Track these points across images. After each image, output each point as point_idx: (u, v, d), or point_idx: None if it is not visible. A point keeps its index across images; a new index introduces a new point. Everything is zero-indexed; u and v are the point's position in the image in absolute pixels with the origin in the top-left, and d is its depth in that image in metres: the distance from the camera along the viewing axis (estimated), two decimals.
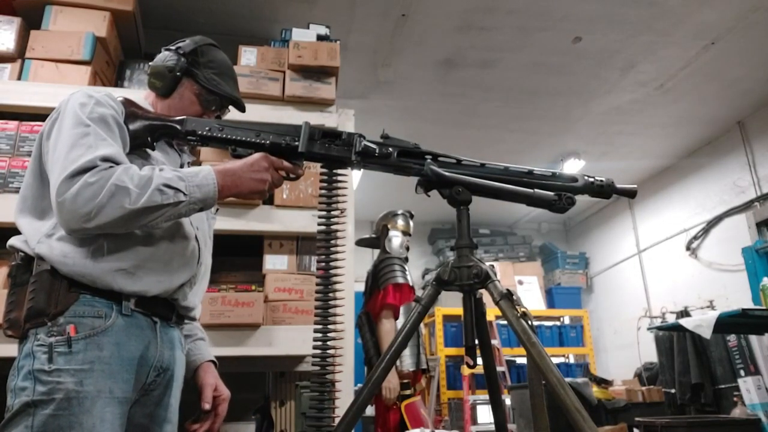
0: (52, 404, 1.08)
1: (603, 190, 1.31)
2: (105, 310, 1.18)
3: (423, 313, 1.25)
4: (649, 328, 5.21)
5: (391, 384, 3.03)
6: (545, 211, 1.54)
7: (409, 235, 3.58)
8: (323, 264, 1.30)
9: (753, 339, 4.43)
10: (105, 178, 1.10)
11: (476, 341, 1.28)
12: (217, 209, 1.56)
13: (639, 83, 4.56)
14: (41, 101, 2.33)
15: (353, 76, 4.24)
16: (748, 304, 4.29)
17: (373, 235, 3.67)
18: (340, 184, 1.35)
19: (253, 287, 2.40)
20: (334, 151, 1.30)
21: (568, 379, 1.89)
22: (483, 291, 1.25)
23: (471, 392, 5.28)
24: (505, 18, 3.72)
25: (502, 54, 4.13)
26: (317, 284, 1.30)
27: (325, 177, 1.34)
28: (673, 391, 4.98)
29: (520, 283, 6.73)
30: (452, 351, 5.65)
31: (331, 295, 1.29)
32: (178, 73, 1.40)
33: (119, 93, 1.40)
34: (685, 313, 5.34)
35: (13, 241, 1.23)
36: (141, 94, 1.45)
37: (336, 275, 1.30)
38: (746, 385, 4.27)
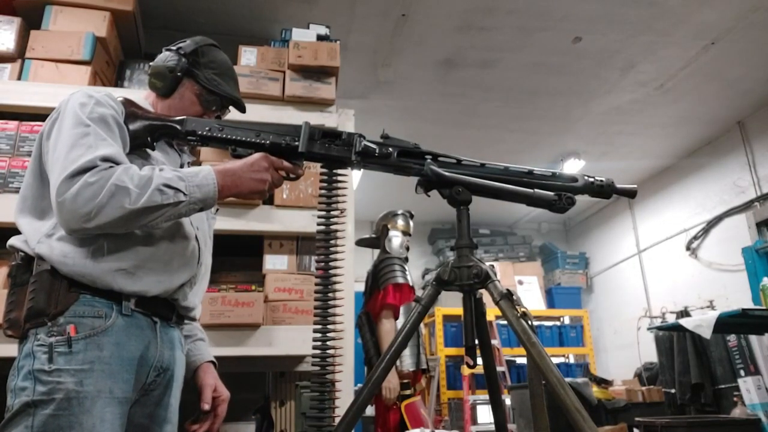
0: (52, 404, 1.08)
1: (603, 190, 1.31)
2: (105, 310, 1.18)
3: (423, 313, 1.25)
4: (649, 328, 5.22)
5: (391, 384, 3.03)
6: (545, 211, 1.54)
7: (409, 235, 3.58)
8: (323, 264, 1.30)
9: (753, 339, 4.43)
10: (105, 178, 1.10)
11: (476, 341, 1.28)
12: (217, 209, 1.56)
13: (639, 83, 4.56)
14: (41, 101, 2.33)
15: (353, 76, 4.24)
16: (748, 304, 4.29)
17: (373, 235, 3.67)
18: (340, 184, 1.35)
19: (253, 287, 2.40)
20: (334, 151, 1.30)
21: (568, 379, 1.89)
22: (483, 291, 1.25)
23: (471, 392, 5.28)
24: (505, 18, 3.72)
25: (502, 54, 4.13)
26: (316, 284, 1.30)
27: (325, 177, 1.34)
28: (673, 391, 4.98)
29: (520, 283, 6.73)
30: (452, 351, 5.65)
31: (330, 295, 1.29)
32: (178, 74, 1.40)
33: (119, 93, 1.40)
34: (685, 313, 5.34)
35: (13, 241, 1.23)
36: (141, 94, 1.45)
37: (335, 275, 1.30)
38: (746, 385, 4.27)
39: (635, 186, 1.35)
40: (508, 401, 4.54)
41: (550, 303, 6.89)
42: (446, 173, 1.26)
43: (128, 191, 1.11)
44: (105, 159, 1.13)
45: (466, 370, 5.22)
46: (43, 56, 2.51)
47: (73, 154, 1.12)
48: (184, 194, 1.16)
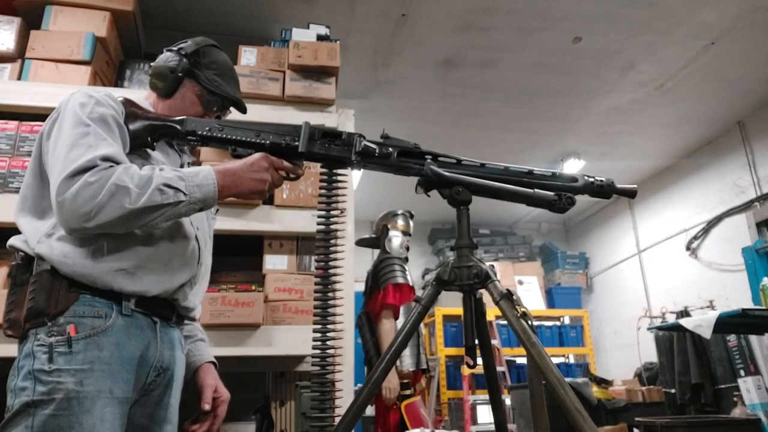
0: (52, 404, 1.08)
1: (603, 190, 1.31)
2: (105, 310, 1.18)
3: (423, 313, 1.25)
4: (649, 328, 5.21)
5: (391, 384, 3.03)
6: (545, 211, 1.54)
7: (409, 235, 3.58)
8: (322, 264, 1.30)
9: (753, 339, 4.43)
10: (105, 178, 1.10)
11: (476, 341, 1.28)
12: (218, 209, 1.56)
13: (639, 83, 4.56)
14: (41, 101, 2.33)
15: (353, 76, 4.24)
16: (748, 304, 4.29)
17: (373, 235, 3.67)
18: (340, 184, 1.35)
19: (253, 287, 2.40)
20: (334, 151, 1.30)
21: (568, 379, 1.89)
22: (483, 291, 1.25)
23: (471, 392, 5.28)
24: (505, 18, 3.72)
25: (502, 54, 4.13)
26: (316, 284, 1.30)
27: (325, 177, 1.34)
28: (673, 391, 4.98)
29: (520, 283, 6.73)
30: (452, 351, 5.65)
31: (330, 294, 1.29)
32: (179, 74, 1.40)
33: (119, 93, 1.40)
34: (685, 313, 5.34)
35: (13, 241, 1.23)
36: (142, 95, 1.45)
37: (335, 275, 1.30)
38: (746, 385, 4.27)
39: (635, 186, 1.35)
40: (508, 401, 4.54)
41: (550, 303, 6.89)
42: (446, 173, 1.26)
43: (128, 191, 1.11)
44: (105, 158, 1.13)
45: (466, 370, 5.22)
46: (43, 56, 2.51)
47: (73, 153, 1.12)
48: (184, 194, 1.16)
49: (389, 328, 3.16)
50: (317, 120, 2.30)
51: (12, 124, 2.33)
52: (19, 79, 2.48)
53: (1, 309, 1.31)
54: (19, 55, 2.52)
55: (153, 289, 1.23)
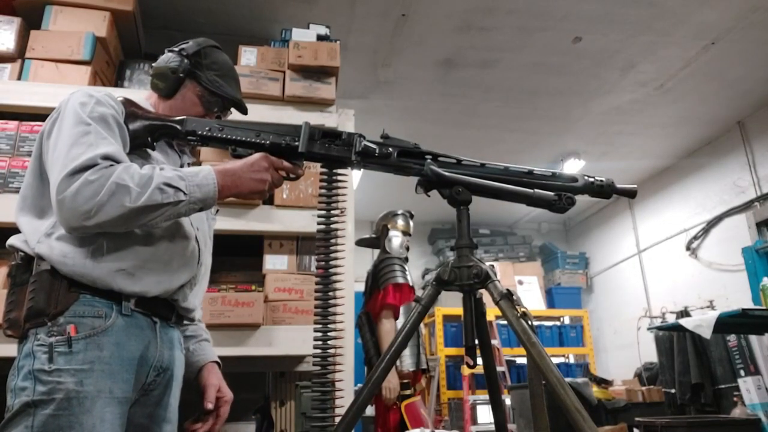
0: (52, 404, 1.08)
1: (603, 190, 1.31)
2: (105, 310, 1.18)
3: (423, 313, 1.25)
4: (649, 328, 5.21)
5: (391, 384, 3.03)
6: (545, 211, 1.54)
7: (409, 235, 3.58)
8: (323, 263, 1.30)
9: (753, 339, 4.43)
10: (106, 177, 1.10)
11: (476, 341, 1.28)
12: (218, 210, 1.56)
13: (639, 83, 4.56)
14: (41, 101, 2.33)
15: (353, 76, 4.24)
16: (748, 304, 4.29)
17: (373, 235, 3.67)
18: (340, 184, 1.35)
19: (253, 287, 2.40)
20: (334, 151, 1.30)
21: (568, 379, 1.89)
22: (483, 291, 1.25)
23: (471, 392, 5.28)
24: (505, 18, 3.72)
25: (502, 54, 4.13)
26: (317, 284, 1.30)
27: (325, 177, 1.34)
28: (673, 391, 4.98)
29: (520, 283, 6.73)
30: (452, 351, 5.65)
31: (330, 294, 1.29)
32: (181, 75, 1.41)
33: (119, 93, 1.40)
34: (685, 313, 5.34)
35: (13, 241, 1.23)
36: (142, 95, 1.45)
37: (336, 274, 1.30)
38: (746, 385, 4.27)
39: (635, 186, 1.35)
40: (508, 401, 4.54)
41: (550, 303, 6.89)
42: (446, 173, 1.26)
43: (129, 190, 1.11)
44: (106, 157, 1.13)
45: (466, 370, 5.22)
46: (43, 56, 2.51)
47: (73, 152, 1.12)
48: (185, 193, 1.16)
49: (389, 328, 3.16)
50: (317, 120, 2.30)
51: (12, 124, 2.33)
52: (19, 79, 2.48)
53: (1, 309, 1.31)
54: (19, 55, 2.52)
55: (153, 290, 1.23)
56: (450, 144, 5.39)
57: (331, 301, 1.29)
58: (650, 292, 6.32)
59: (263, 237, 2.49)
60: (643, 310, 6.30)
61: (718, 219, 5.42)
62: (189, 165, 1.49)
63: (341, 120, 2.65)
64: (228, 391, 1.44)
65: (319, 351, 1.27)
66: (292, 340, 2.31)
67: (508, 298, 1.18)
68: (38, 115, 2.34)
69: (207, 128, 1.31)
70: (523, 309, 1.17)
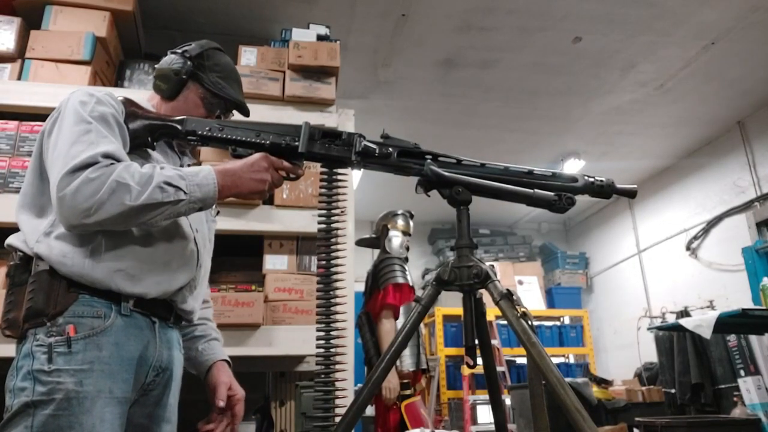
0: (51, 404, 1.08)
1: (603, 190, 1.31)
2: (104, 310, 1.18)
3: (423, 313, 1.25)
4: (649, 328, 5.21)
5: (391, 384, 3.03)
6: (545, 211, 1.54)
7: (409, 235, 3.58)
8: (323, 263, 1.30)
9: (753, 339, 4.43)
10: (106, 175, 1.10)
11: (476, 341, 1.28)
12: (218, 212, 1.56)
13: (639, 83, 4.56)
14: (41, 101, 2.33)
15: (353, 76, 4.24)
16: (748, 304, 4.29)
17: (373, 235, 3.67)
18: (340, 183, 1.35)
19: (253, 287, 2.40)
20: (334, 151, 1.30)
21: (568, 379, 1.89)
22: (483, 291, 1.25)
23: (471, 392, 5.28)
24: (505, 18, 3.72)
25: (502, 54, 4.13)
26: (319, 282, 1.30)
27: (325, 177, 1.34)
28: (673, 391, 4.98)
29: (520, 283, 6.73)
30: (452, 351, 5.65)
31: (333, 293, 1.29)
32: (183, 76, 1.41)
33: (120, 93, 1.40)
34: (685, 313, 5.34)
35: (12, 240, 1.23)
36: (144, 96, 1.46)
37: (338, 272, 1.30)
38: (746, 385, 4.27)
39: (635, 186, 1.35)
40: (508, 401, 4.54)
41: (550, 303, 6.89)
42: (446, 173, 1.26)
43: (129, 188, 1.11)
44: (106, 156, 1.13)
45: (466, 370, 5.22)
46: (43, 56, 2.51)
47: (74, 150, 1.12)
48: (185, 193, 1.16)
49: (389, 328, 3.16)
50: (317, 120, 2.30)
51: (12, 124, 2.33)
52: (19, 79, 2.48)
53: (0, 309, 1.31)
54: (19, 55, 2.52)
55: (152, 291, 1.23)
56: (450, 144, 5.39)
57: (333, 301, 1.29)
58: (650, 292, 6.32)
59: (263, 237, 2.49)
60: (643, 310, 6.30)
61: (718, 219, 5.42)
62: (189, 166, 1.48)
63: (341, 120, 2.65)
64: (239, 389, 1.43)
65: (321, 351, 1.27)
66: (292, 340, 2.31)
67: (508, 298, 1.18)
68: (38, 115, 2.34)
69: (207, 128, 1.31)
70: (523, 309, 1.17)
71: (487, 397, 2.73)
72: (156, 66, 1.45)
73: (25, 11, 2.66)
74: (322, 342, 1.28)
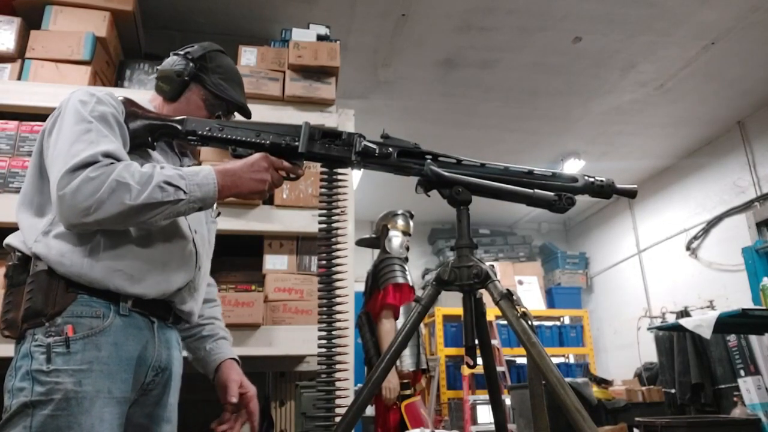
0: (50, 404, 1.08)
1: (603, 191, 1.30)
2: (103, 310, 1.17)
3: (423, 313, 1.25)
4: (649, 328, 5.22)
5: (391, 384, 3.03)
6: (545, 211, 1.54)
7: (409, 235, 3.58)
8: (324, 263, 1.30)
9: (753, 339, 4.43)
10: (106, 174, 1.10)
11: (476, 341, 1.28)
12: (219, 213, 1.55)
13: (639, 83, 4.56)
14: (41, 101, 2.33)
15: (353, 76, 4.24)
16: (748, 304, 4.29)
17: (373, 235, 3.67)
18: (340, 183, 1.35)
19: (253, 287, 2.40)
20: (334, 151, 1.30)
21: (568, 379, 1.89)
22: (483, 291, 1.25)
23: (471, 392, 5.28)
24: (505, 18, 3.72)
25: (502, 54, 4.13)
26: (320, 282, 1.30)
27: (326, 177, 1.34)
28: (673, 391, 4.98)
29: (520, 283, 6.74)
30: (452, 351, 5.65)
31: (335, 293, 1.29)
32: (186, 78, 1.42)
33: (120, 93, 1.41)
34: (685, 313, 5.34)
35: (10, 240, 1.23)
36: (146, 97, 1.45)
37: (340, 272, 1.30)
38: (746, 385, 4.27)
39: (635, 186, 1.35)
40: (508, 401, 4.54)
41: (550, 303, 6.89)
42: (446, 173, 1.26)
43: (129, 187, 1.11)
44: (106, 155, 1.13)
45: (466, 370, 5.22)
46: (43, 56, 2.51)
47: (74, 148, 1.13)
48: (185, 192, 1.16)
49: (389, 328, 3.16)
50: (317, 120, 2.30)
51: (12, 124, 2.33)
52: (19, 79, 2.48)
53: None
54: (19, 55, 2.52)
55: (150, 292, 1.23)
56: (450, 144, 5.38)
57: (336, 300, 1.29)
58: (650, 292, 6.32)
59: (263, 237, 2.49)
60: (643, 310, 6.30)
61: (718, 219, 5.42)
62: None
63: (341, 120, 2.65)
64: (251, 386, 1.42)
65: (323, 350, 1.27)
66: (292, 340, 2.31)
67: (508, 298, 1.18)
68: (38, 115, 2.34)
69: (207, 128, 1.31)
70: (523, 309, 1.17)
71: (487, 397, 2.73)
72: (158, 67, 1.45)
73: (25, 11, 2.66)
74: (324, 342, 1.28)
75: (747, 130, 5.21)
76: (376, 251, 3.64)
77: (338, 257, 1.31)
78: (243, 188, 1.24)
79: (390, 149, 1.29)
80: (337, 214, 1.34)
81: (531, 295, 6.59)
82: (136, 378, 1.21)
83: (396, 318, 3.21)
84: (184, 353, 1.49)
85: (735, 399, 3.94)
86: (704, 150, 5.69)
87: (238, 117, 1.55)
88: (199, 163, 2.16)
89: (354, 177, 3.80)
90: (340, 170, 1.36)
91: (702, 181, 5.70)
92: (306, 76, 2.66)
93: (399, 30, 3.81)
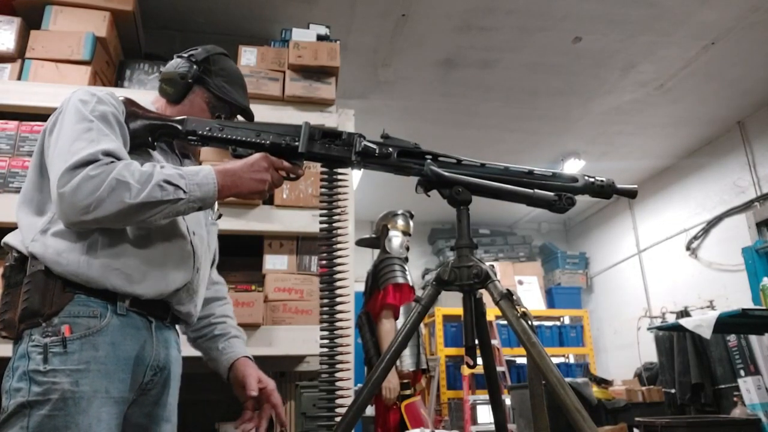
0: (47, 405, 1.08)
1: (603, 191, 1.30)
2: (100, 309, 1.17)
3: (423, 313, 1.25)
4: (649, 328, 5.21)
5: (391, 384, 3.03)
6: (545, 211, 1.54)
7: (409, 235, 3.58)
8: (325, 262, 1.31)
9: (753, 339, 4.43)
10: (106, 173, 1.10)
11: (476, 341, 1.28)
12: (220, 216, 1.55)
13: (639, 83, 4.56)
14: (41, 101, 2.33)
15: (353, 76, 4.24)
16: (748, 304, 4.29)
17: (373, 235, 3.67)
18: (340, 183, 1.35)
19: (253, 287, 2.40)
20: (334, 151, 1.30)
21: (568, 379, 1.89)
22: (483, 291, 1.25)
23: (471, 392, 5.28)
24: (505, 18, 3.72)
25: (502, 54, 4.13)
26: (321, 282, 1.31)
27: (326, 177, 1.34)
28: (673, 391, 4.98)
29: (520, 283, 6.74)
30: (452, 351, 5.65)
31: (336, 293, 1.29)
32: (189, 80, 1.42)
33: (121, 93, 1.41)
34: (685, 313, 5.34)
35: (8, 239, 1.24)
36: (149, 98, 1.46)
37: (341, 271, 1.31)
38: (746, 385, 4.27)
39: (635, 186, 1.35)
40: (508, 401, 4.54)
41: (550, 303, 6.89)
42: (446, 173, 1.26)
43: (129, 186, 1.11)
44: (107, 153, 1.14)
45: (466, 370, 5.22)
46: (43, 56, 2.51)
47: (75, 146, 1.13)
48: (184, 191, 1.16)
49: (389, 328, 3.16)
50: (317, 120, 2.29)
51: (12, 124, 2.33)
52: (19, 79, 2.48)
53: None
54: (19, 55, 2.52)
55: (147, 292, 1.23)
56: (450, 144, 5.38)
57: (338, 300, 1.29)
58: (650, 292, 6.32)
59: (263, 237, 2.49)
60: (643, 310, 6.30)
61: (718, 219, 5.42)
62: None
63: (341, 120, 2.65)
64: (269, 380, 1.42)
65: (326, 350, 1.27)
66: (292, 340, 2.31)
67: (508, 298, 1.18)
68: (38, 115, 2.34)
69: (207, 128, 1.31)
70: (523, 309, 1.17)
71: (487, 397, 2.73)
72: (162, 70, 1.46)
73: (25, 11, 2.66)
74: (326, 341, 1.28)
75: (747, 130, 5.21)
76: (376, 251, 3.64)
77: (340, 257, 1.31)
78: (243, 188, 1.24)
79: (390, 149, 1.29)
80: (338, 214, 1.34)
81: (531, 295, 6.59)
82: (134, 378, 1.21)
83: (396, 318, 3.21)
84: (198, 353, 1.49)
85: (735, 399, 3.94)
86: (704, 150, 5.69)
87: (240, 119, 1.55)
88: (200, 164, 2.17)
89: (354, 177, 3.80)
90: (340, 170, 1.36)
91: (702, 181, 5.70)
92: (306, 76, 2.66)
93: (399, 30, 3.81)
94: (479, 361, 1.32)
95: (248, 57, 2.71)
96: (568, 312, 6.70)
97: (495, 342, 5.42)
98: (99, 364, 1.14)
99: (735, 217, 5.24)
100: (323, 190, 1.35)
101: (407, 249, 3.50)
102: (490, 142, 5.51)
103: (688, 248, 5.73)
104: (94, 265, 1.16)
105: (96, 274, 1.16)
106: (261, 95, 2.60)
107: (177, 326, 1.43)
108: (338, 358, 1.28)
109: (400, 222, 3.54)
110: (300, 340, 2.29)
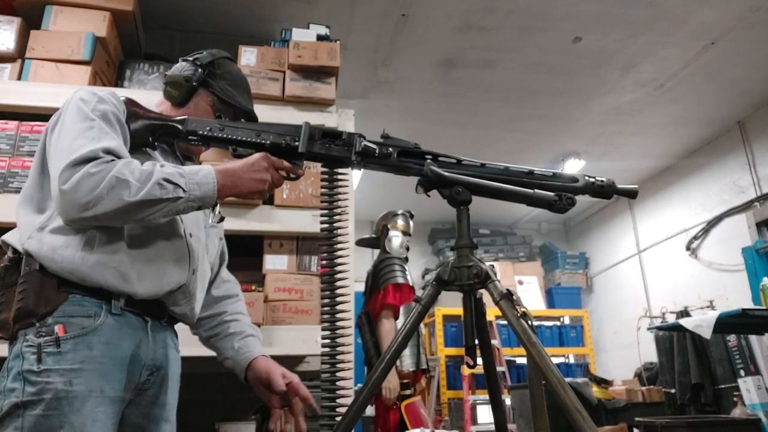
0: (41, 404, 1.07)
1: (603, 191, 1.30)
2: (95, 309, 1.17)
3: (423, 313, 1.25)
4: (649, 328, 5.22)
5: (391, 384, 3.03)
6: (545, 211, 1.54)
7: (409, 235, 3.58)
8: (326, 262, 1.31)
9: (753, 339, 4.43)
10: (106, 170, 1.11)
11: (476, 341, 1.28)
12: (222, 218, 1.54)
13: (639, 83, 4.56)
14: (41, 101, 2.33)
15: (353, 76, 4.24)
16: (748, 304, 4.29)
17: (373, 235, 3.67)
18: (340, 183, 1.35)
19: (253, 287, 2.39)
20: (334, 151, 1.30)
21: (568, 379, 1.89)
22: (483, 291, 1.25)
23: (471, 392, 5.28)
24: (505, 18, 3.72)
25: (502, 54, 4.13)
26: (322, 282, 1.31)
27: (326, 177, 1.35)
28: (673, 391, 4.98)
29: (520, 283, 6.74)
30: (452, 351, 5.65)
31: (337, 293, 1.30)
32: (194, 84, 1.43)
33: (123, 93, 1.41)
34: (685, 313, 5.34)
35: (7, 237, 1.24)
36: (153, 100, 1.46)
37: (342, 271, 1.31)
38: (746, 385, 4.27)
39: (636, 186, 1.35)
40: (508, 401, 4.54)
41: (550, 303, 6.89)
42: (446, 173, 1.26)
43: (128, 184, 1.11)
44: (108, 151, 1.14)
45: (466, 370, 5.22)
46: (43, 56, 2.51)
47: (76, 144, 1.13)
48: (184, 190, 1.16)
49: (389, 328, 3.16)
50: (317, 120, 2.29)
51: (12, 124, 2.33)
52: (19, 79, 2.48)
53: None
54: (19, 55, 2.52)
55: (141, 292, 1.22)
56: (450, 144, 5.39)
57: (338, 300, 1.29)
58: (650, 292, 6.32)
59: (263, 237, 2.49)
60: (643, 310, 6.30)
61: (718, 219, 5.42)
62: None
63: (341, 120, 2.65)
64: (293, 374, 1.39)
65: (327, 350, 1.27)
66: (292, 340, 2.31)
67: (508, 298, 1.18)
68: (38, 115, 2.34)
69: (208, 128, 1.31)
70: (523, 309, 1.17)
71: (487, 397, 2.72)
72: (167, 73, 1.47)
73: (25, 11, 2.66)
74: (328, 341, 1.28)
75: (747, 130, 5.21)
76: (376, 251, 3.64)
77: (340, 257, 1.31)
78: (243, 188, 1.24)
79: (390, 149, 1.29)
80: (338, 214, 1.34)
81: (531, 295, 6.59)
82: (130, 377, 1.21)
83: (396, 318, 3.21)
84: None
85: (735, 399, 3.94)
86: (704, 150, 5.69)
87: None
88: (200, 163, 2.16)
89: (354, 177, 3.80)
90: (340, 170, 1.36)
91: (702, 181, 5.70)
92: (306, 76, 2.66)
93: (399, 30, 3.81)
94: (479, 361, 1.32)
95: (248, 57, 2.71)
96: (568, 312, 6.70)
97: (495, 342, 5.42)
98: (94, 363, 1.13)
99: (735, 217, 5.25)
100: (323, 190, 1.35)
101: (407, 249, 3.50)
102: (490, 142, 5.51)
103: (688, 248, 5.73)
104: (90, 260, 1.16)
105: (91, 270, 1.16)
106: (261, 95, 2.60)
107: (176, 326, 1.42)
108: (339, 357, 1.28)
109: (400, 222, 3.54)
110: (300, 340, 2.29)
